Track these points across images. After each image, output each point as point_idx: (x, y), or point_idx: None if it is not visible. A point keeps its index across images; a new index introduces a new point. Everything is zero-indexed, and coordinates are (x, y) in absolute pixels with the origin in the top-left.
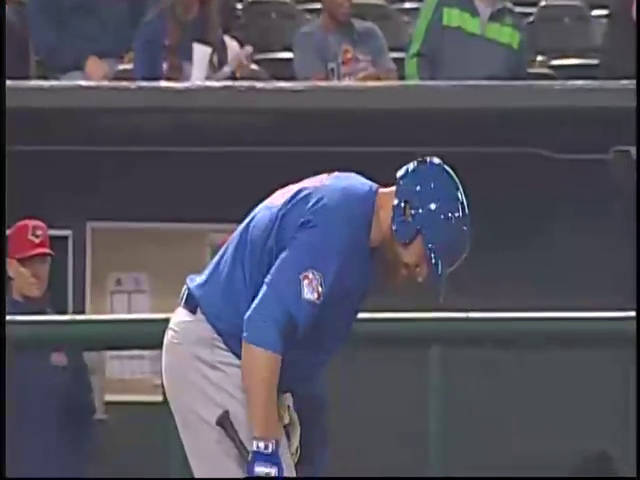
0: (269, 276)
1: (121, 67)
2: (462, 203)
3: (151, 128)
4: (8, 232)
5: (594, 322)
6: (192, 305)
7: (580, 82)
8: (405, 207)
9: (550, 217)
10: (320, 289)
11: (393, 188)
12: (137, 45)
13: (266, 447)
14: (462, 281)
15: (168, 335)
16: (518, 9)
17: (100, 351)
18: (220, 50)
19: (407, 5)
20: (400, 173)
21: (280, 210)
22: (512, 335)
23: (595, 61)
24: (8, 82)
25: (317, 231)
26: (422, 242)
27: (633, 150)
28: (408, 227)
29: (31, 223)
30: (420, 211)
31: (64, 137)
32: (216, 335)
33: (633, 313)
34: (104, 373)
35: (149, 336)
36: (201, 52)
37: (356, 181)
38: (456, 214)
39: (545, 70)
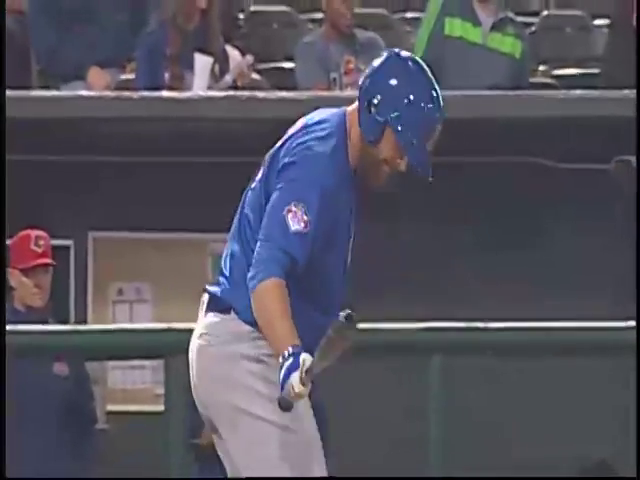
0: (261, 230)
1: (123, 77)
2: (422, 82)
3: (153, 137)
4: (10, 242)
5: (594, 331)
6: (216, 306)
7: (582, 92)
8: (368, 105)
9: (551, 227)
10: (305, 218)
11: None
12: (139, 55)
13: (284, 357)
14: (465, 290)
15: (198, 341)
16: (520, 19)
17: (102, 361)
18: (221, 59)
19: (409, 15)
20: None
21: (261, 178)
22: (513, 344)
23: (597, 70)
24: (10, 92)
25: (295, 167)
26: (392, 131)
27: (634, 159)
28: (374, 122)
29: (33, 233)
30: (380, 102)
31: (66, 146)
32: (250, 327)
33: (633, 323)
34: (106, 383)
35: (151, 346)
36: (202, 62)
37: (324, 112)
38: (415, 93)
39: (547, 80)
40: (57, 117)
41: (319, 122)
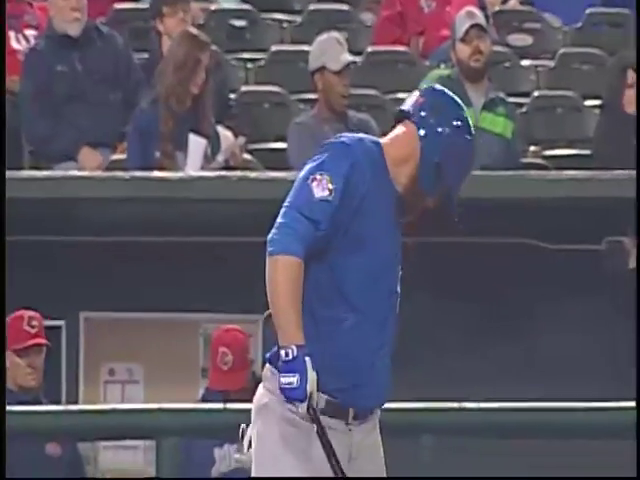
0: (287, 198)
1: (114, 157)
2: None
3: (144, 218)
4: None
5: (589, 412)
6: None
7: (573, 172)
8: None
9: (544, 306)
10: (330, 186)
11: (391, 136)
12: (130, 134)
13: (287, 354)
14: (456, 370)
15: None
16: (511, 99)
17: (93, 441)
18: (213, 140)
19: (400, 95)
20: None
21: None
22: (508, 425)
23: (588, 151)
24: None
25: (324, 150)
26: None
27: (627, 240)
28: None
29: (27, 313)
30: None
31: (57, 227)
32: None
33: (632, 403)
34: (97, 463)
35: (142, 426)
36: (197, 143)
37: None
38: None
39: (538, 160)
40: (48, 197)
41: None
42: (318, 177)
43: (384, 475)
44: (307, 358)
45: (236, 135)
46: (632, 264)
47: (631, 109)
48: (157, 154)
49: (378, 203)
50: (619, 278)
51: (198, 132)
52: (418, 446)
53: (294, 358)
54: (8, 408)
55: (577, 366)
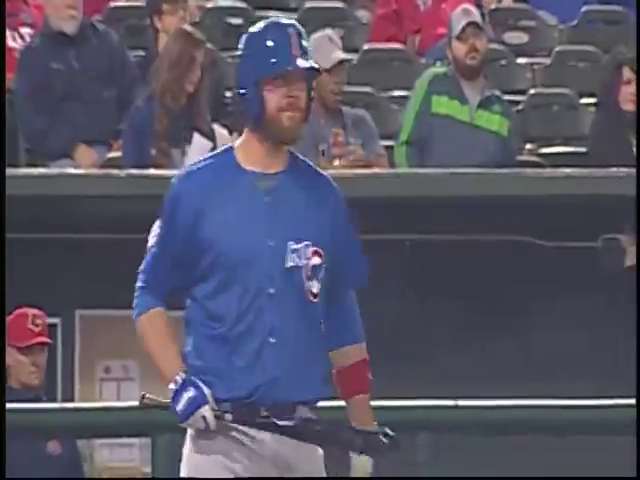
0: None
1: (110, 155)
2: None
3: (139, 216)
4: (7, 319)
5: (585, 410)
6: None
7: (569, 170)
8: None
9: (539, 303)
10: (156, 232)
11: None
12: (125, 131)
13: (175, 382)
14: (449, 367)
15: None
16: (507, 97)
17: (89, 439)
18: (210, 138)
19: (396, 93)
20: None
21: None
22: (503, 423)
23: (584, 149)
24: None
25: None
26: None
27: (622, 238)
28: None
29: (30, 311)
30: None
31: (53, 224)
32: None
33: (629, 400)
34: (93, 460)
35: (138, 424)
36: (201, 144)
37: None
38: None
39: (534, 158)
40: (44, 195)
41: None
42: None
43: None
44: (192, 378)
45: (232, 133)
46: (629, 262)
47: (628, 106)
48: (153, 151)
49: (225, 205)
50: (615, 276)
51: (201, 132)
52: (414, 444)
53: (182, 382)
54: (10, 406)
55: (571, 363)
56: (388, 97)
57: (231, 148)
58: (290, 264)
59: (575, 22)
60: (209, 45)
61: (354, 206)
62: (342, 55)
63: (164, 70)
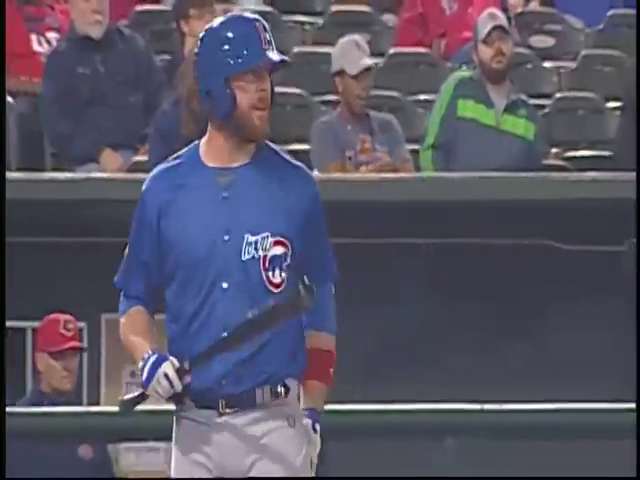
0: None
1: (136, 159)
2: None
3: None
4: (38, 325)
5: (599, 413)
6: None
7: (594, 174)
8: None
9: (560, 307)
10: (131, 233)
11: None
12: (152, 135)
13: (142, 359)
14: (470, 371)
15: None
16: (533, 101)
17: (115, 443)
18: None
19: (421, 97)
20: None
21: None
22: (527, 426)
23: (609, 153)
24: (23, 174)
25: None
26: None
27: None
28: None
29: (62, 317)
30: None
31: (78, 228)
32: None
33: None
34: (119, 465)
35: (164, 427)
36: None
37: None
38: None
39: (559, 162)
40: (70, 199)
41: None
42: None
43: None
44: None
45: None
46: None
47: None
48: None
49: (185, 204)
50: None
51: None
52: (441, 448)
53: (147, 357)
54: (33, 409)
55: (591, 366)
56: (414, 101)
57: (196, 145)
58: (246, 257)
59: (601, 26)
60: None
61: (379, 209)
62: (369, 62)
63: (190, 74)
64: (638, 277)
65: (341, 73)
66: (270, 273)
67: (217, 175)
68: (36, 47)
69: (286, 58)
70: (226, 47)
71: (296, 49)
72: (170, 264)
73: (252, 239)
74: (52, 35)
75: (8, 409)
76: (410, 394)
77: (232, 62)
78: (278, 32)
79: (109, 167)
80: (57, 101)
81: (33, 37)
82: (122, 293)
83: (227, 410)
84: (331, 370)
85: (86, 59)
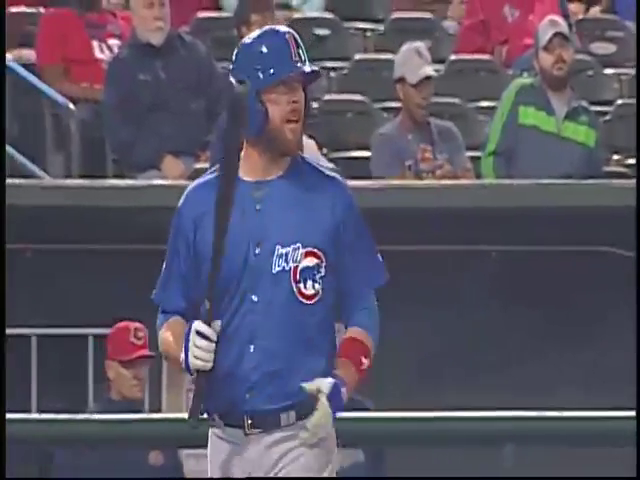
0: None
1: (197, 165)
2: None
3: None
4: (109, 333)
5: None
6: None
7: None
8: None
9: (624, 315)
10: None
11: None
12: (213, 142)
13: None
14: (528, 377)
15: None
16: (594, 108)
17: (176, 449)
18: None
19: (483, 104)
20: None
21: None
22: (588, 434)
23: None
24: (85, 181)
25: None
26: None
27: None
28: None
29: (132, 325)
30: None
31: (140, 236)
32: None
33: None
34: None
35: None
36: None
37: None
38: None
39: (621, 169)
40: (131, 206)
41: None
42: None
43: None
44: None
45: (319, 145)
46: None
47: None
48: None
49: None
50: None
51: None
52: (500, 455)
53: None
54: (105, 416)
55: None
56: (475, 108)
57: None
58: (276, 269)
59: None
60: None
61: (440, 216)
62: (430, 71)
63: None
64: (638, 279)
65: (402, 80)
66: (301, 285)
67: (252, 189)
68: (98, 54)
69: (317, 69)
70: (256, 61)
71: (357, 56)
72: (204, 276)
73: (282, 251)
74: (114, 42)
75: (76, 416)
76: (470, 400)
77: (262, 75)
78: (339, 39)
79: (170, 174)
80: (119, 108)
81: (95, 44)
82: (160, 310)
83: (253, 430)
84: (364, 360)
85: (147, 66)
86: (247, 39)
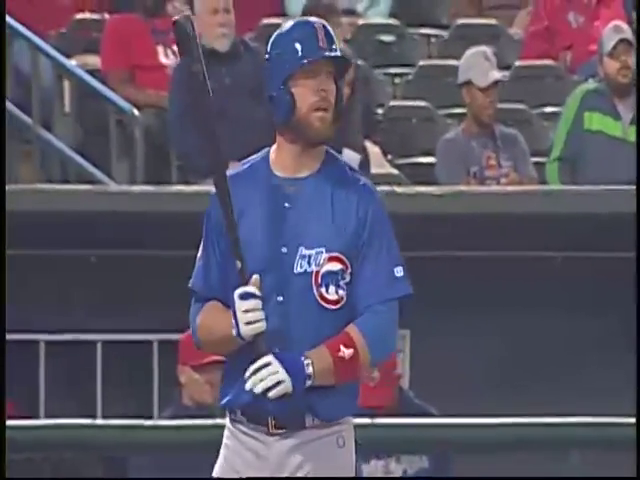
0: None
1: None
2: None
3: None
4: (181, 337)
5: None
6: None
7: None
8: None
9: None
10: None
11: None
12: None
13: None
14: (592, 385)
15: None
16: None
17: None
18: (362, 155)
19: (548, 110)
20: None
21: None
22: None
23: None
24: (150, 187)
25: None
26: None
27: None
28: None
29: None
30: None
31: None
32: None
33: None
34: None
35: None
36: (349, 158)
37: None
38: None
39: None
40: (196, 211)
41: None
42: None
43: None
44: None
45: (385, 152)
46: None
47: None
48: None
49: (250, 212)
50: None
51: (351, 146)
52: (566, 461)
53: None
54: (181, 422)
55: None
56: (540, 114)
57: (267, 152)
58: (298, 270)
59: None
60: (361, 62)
61: (504, 222)
62: (498, 75)
63: None
64: (638, 283)
65: (468, 84)
66: (323, 289)
67: (284, 185)
68: (163, 59)
69: (340, 54)
70: (284, 48)
71: (421, 62)
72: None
73: (306, 252)
74: None
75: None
76: (541, 407)
77: (288, 63)
78: (404, 45)
79: None
80: (183, 115)
81: (160, 49)
82: (193, 301)
83: (277, 430)
84: (343, 347)
85: (212, 72)
86: (280, 29)
